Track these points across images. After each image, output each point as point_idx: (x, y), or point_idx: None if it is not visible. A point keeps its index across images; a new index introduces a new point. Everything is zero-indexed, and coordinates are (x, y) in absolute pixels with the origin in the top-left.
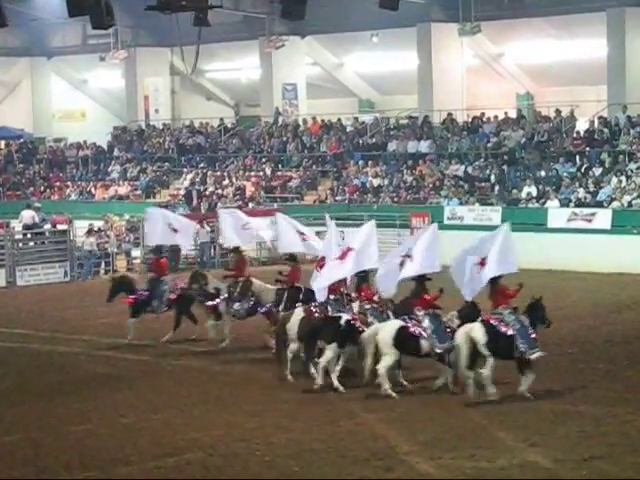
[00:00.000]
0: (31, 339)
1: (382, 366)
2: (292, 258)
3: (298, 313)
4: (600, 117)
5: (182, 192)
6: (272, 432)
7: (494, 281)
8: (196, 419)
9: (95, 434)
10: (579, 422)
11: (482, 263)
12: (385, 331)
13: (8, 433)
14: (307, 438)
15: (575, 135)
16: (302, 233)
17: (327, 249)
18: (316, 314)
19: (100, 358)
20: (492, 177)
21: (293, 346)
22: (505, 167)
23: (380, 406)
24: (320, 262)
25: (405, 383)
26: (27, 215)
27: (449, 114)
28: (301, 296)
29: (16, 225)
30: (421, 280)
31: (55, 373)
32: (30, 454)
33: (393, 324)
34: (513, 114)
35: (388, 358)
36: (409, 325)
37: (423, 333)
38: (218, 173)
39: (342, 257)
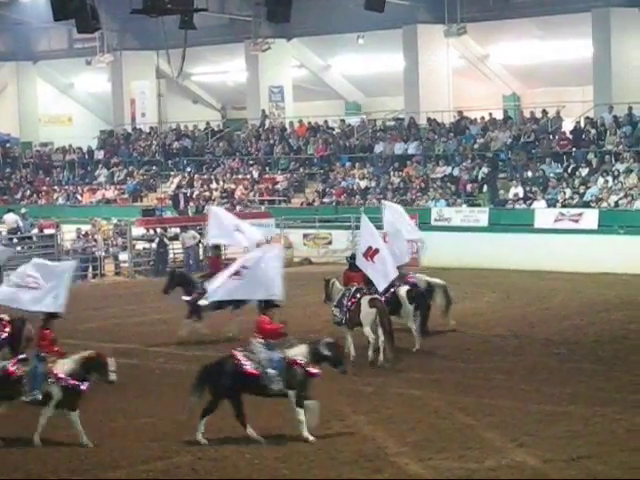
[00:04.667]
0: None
1: None
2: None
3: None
4: (586, 117)
5: (169, 195)
6: (261, 435)
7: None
8: (185, 423)
9: (86, 437)
10: (567, 422)
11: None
12: None
13: None
14: (296, 440)
15: (561, 136)
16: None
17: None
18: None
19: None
20: (479, 178)
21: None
22: (492, 168)
23: (369, 408)
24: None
25: None
26: (10, 220)
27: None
28: None
29: (2, 230)
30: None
31: None
32: (19, 459)
33: None
34: (499, 115)
35: None
36: None
37: None
38: (205, 176)
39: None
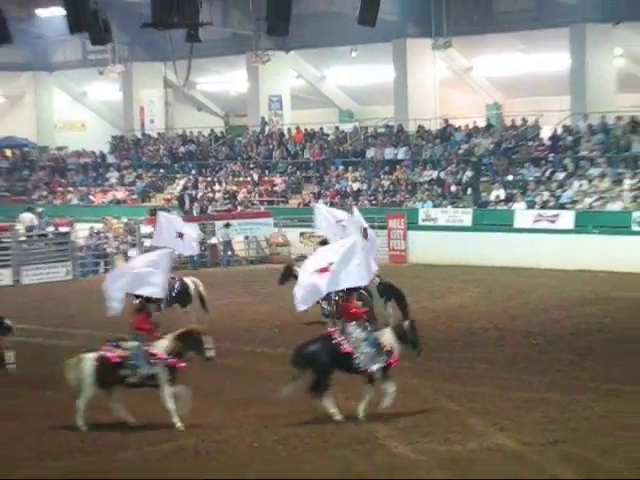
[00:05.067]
0: (36, 334)
1: None
2: None
3: None
4: (563, 125)
5: (175, 196)
6: (260, 419)
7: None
8: (190, 407)
9: (96, 421)
10: (544, 408)
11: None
12: None
13: (13, 421)
14: (293, 425)
15: (540, 142)
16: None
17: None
18: None
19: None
20: (463, 181)
21: None
22: (475, 172)
23: (360, 394)
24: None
25: None
26: (26, 218)
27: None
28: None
29: (20, 227)
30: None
31: (59, 365)
32: (34, 440)
33: None
34: (482, 123)
35: None
36: None
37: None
38: (209, 179)
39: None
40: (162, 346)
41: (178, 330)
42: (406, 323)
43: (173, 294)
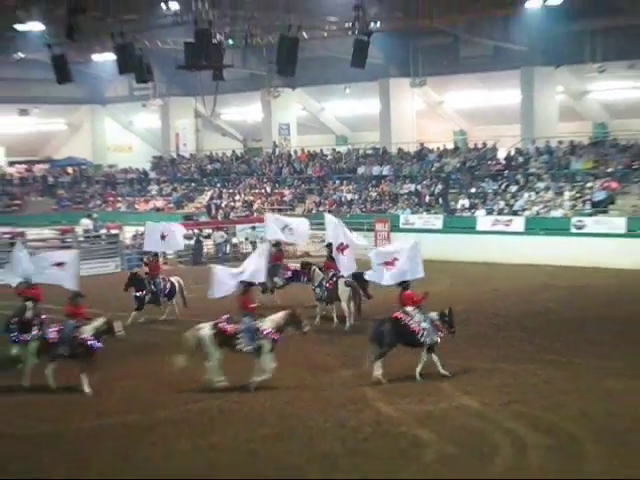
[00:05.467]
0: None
1: None
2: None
3: None
4: (515, 148)
5: (204, 205)
6: (273, 385)
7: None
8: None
9: (140, 387)
10: (500, 376)
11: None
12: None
13: (73, 386)
14: (299, 389)
15: (497, 161)
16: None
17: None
18: None
19: (145, 330)
20: (435, 193)
21: None
22: (445, 185)
23: (353, 364)
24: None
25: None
26: (84, 223)
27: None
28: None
29: (79, 230)
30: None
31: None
32: (92, 402)
33: None
34: (451, 146)
35: None
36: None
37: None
38: (230, 191)
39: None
40: (269, 323)
41: (283, 312)
42: (447, 310)
43: (166, 291)
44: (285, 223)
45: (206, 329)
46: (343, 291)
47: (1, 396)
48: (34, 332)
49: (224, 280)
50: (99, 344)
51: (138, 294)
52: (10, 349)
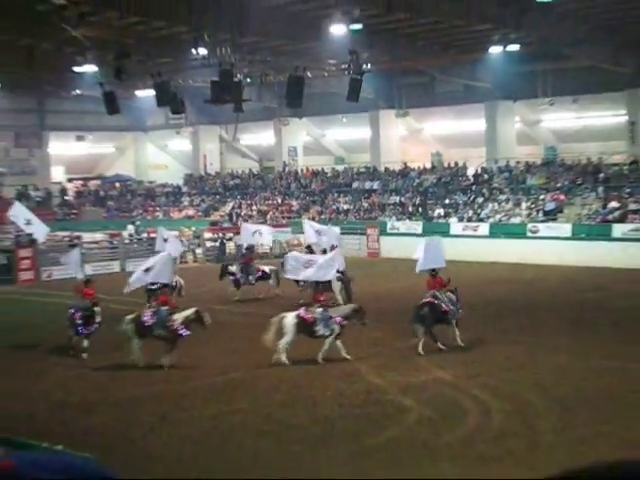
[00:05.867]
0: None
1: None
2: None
3: None
4: (481, 167)
5: (226, 213)
6: (286, 364)
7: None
8: (241, 353)
9: (176, 365)
10: (469, 353)
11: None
12: None
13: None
14: (305, 365)
15: (466, 178)
16: (166, 240)
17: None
18: None
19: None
20: (416, 203)
21: None
22: (424, 197)
23: (349, 345)
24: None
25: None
26: (129, 228)
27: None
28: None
29: (125, 234)
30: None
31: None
32: (139, 375)
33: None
34: (429, 165)
35: None
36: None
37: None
38: (248, 202)
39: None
40: (339, 312)
41: (350, 305)
42: (454, 289)
43: (176, 287)
44: (318, 228)
45: (290, 317)
46: (335, 284)
47: (64, 370)
48: (96, 325)
49: (298, 265)
50: (187, 332)
51: (232, 278)
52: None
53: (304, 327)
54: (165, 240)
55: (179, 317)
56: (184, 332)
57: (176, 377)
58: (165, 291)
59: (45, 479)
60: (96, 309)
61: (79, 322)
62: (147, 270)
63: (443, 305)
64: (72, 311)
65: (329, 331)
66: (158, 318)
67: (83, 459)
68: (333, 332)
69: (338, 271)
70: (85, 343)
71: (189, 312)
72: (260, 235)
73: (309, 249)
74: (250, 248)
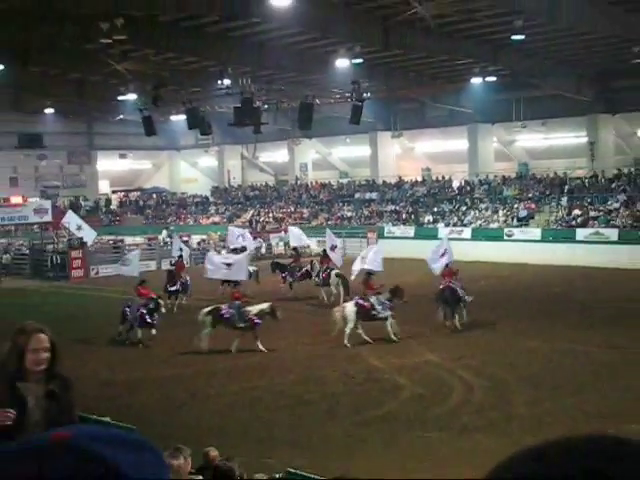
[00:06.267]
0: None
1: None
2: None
3: None
4: (464, 180)
5: (247, 220)
6: (296, 344)
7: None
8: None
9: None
10: (455, 338)
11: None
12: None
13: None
14: (315, 349)
15: (452, 189)
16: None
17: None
18: None
19: None
20: (409, 211)
21: None
22: (416, 206)
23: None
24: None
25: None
26: (164, 233)
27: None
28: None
29: (160, 238)
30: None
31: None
32: (172, 358)
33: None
34: (420, 179)
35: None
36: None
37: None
38: (266, 210)
39: None
40: (382, 299)
41: (389, 289)
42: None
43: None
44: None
45: (349, 306)
46: (334, 279)
47: (110, 353)
48: (156, 317)
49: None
50: (260, 321)
51: (284, 275)
52: (138, 331)
53: (364, 313)
54: (241, 237)
55: (254, 310)
56: (259, 322)
57: (204, 360)
58: (238, 288)
59: (98, 450)
60: (161, 302)
61: (145, 314)
62: (229, 265)
63: (459, 290)
64: (133, 307)
65: (387, 314)
66: (237, 312)
67: (128, 430)
68: (388, 316)
69: (333, 268)
70: (153, 331)
71: (264, 306)
72: (243, 239)
73: (295, 251)
74: (296, 249)
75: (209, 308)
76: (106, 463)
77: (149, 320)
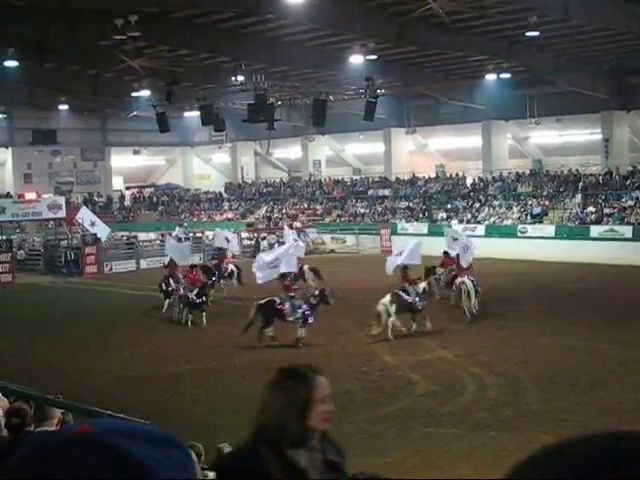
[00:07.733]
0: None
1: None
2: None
3: None
4: (478, 177)
5: (260, 216)
6: (312, 342)
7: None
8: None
9: (215, 344)
10: (467, 335)
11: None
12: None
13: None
14: (329, 346)
15: (465, 186)
16: (227, 239)
17: None
18: None
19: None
20: (423, 208)
21: None
22: (429, 203)
23: (365, 327)
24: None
25: None
26: (178, 229)
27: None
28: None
29: (175, 233)
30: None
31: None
32: (186, 354)
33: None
34: (433, 175)
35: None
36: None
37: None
38: (279, 206)
39: None
40: (423, 286)
41: (424, 282)
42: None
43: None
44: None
45: (387, 298)
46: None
47: (124, 349)
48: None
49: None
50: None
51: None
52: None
53: (403, 305)
54: (227, 240)
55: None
56: (309, 313)
57: (218, 355)
58: (287, 279)
59: (122, 445)
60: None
61: (194, 297)
62: (274, 265)
63: (468, 283)
64: (183, 292)
65: (424, 305)
66: (290, 305)
67: (147, 425)
68: (423, 306)
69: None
70: (203, 314)
71: (315, 293)
72: (228, 241)
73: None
74: (221, 249)
75: (262, 301)
76: (130, 459)
77: (198, 301)
